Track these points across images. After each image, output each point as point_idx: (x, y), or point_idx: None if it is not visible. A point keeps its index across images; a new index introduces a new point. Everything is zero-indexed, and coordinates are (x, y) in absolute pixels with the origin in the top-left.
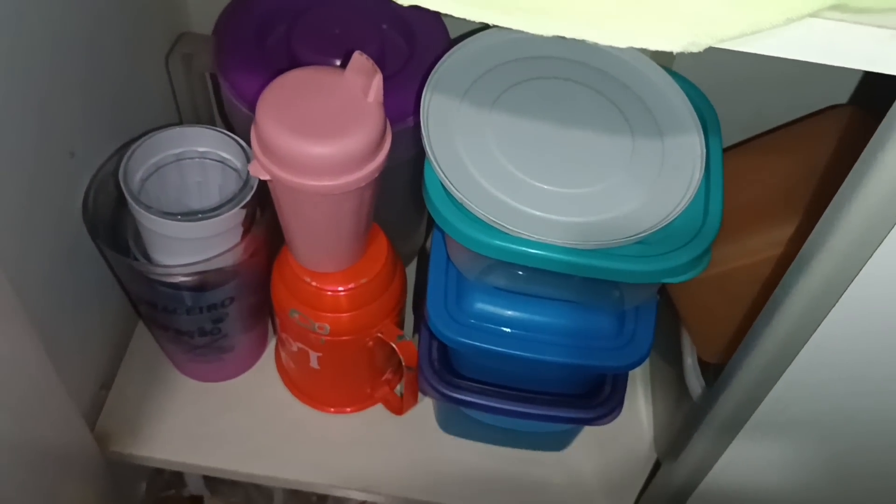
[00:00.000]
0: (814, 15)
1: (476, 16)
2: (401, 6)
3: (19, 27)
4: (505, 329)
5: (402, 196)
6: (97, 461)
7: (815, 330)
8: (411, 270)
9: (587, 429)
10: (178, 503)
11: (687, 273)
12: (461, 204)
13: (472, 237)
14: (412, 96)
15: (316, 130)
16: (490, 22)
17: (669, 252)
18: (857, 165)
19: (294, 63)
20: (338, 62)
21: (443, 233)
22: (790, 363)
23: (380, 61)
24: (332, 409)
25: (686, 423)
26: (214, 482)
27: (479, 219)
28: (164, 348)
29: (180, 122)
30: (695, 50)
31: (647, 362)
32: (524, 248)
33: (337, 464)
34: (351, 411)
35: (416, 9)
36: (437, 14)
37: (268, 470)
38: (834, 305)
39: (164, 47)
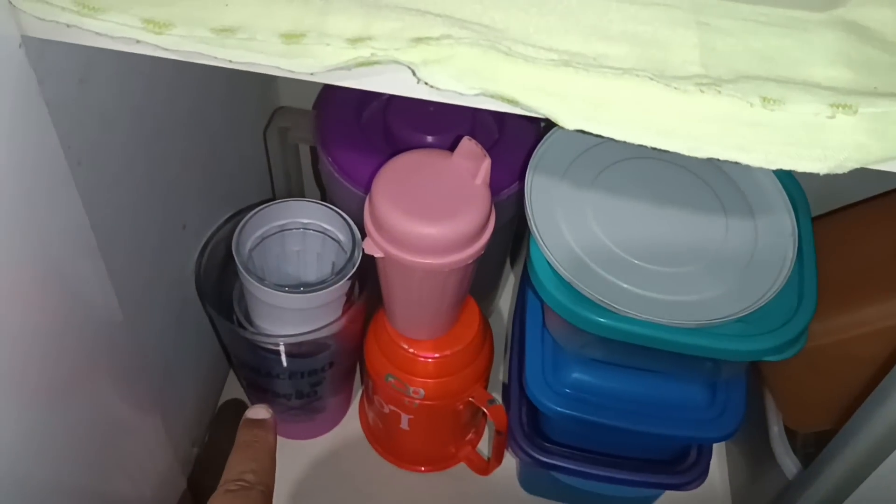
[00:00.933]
0: None
1: (639, 140)
2: None
3: (144, 115)
4: (601, 399)
5: (489, 260)
6: None
7: None
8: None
9: (668, 494)
10: None
11: (786, 352)
12: (568, 282)
13: (578, 314)
14: (503, 171)
15: (428, 212)
16: (636, 142)
17: (768, 332)
18: None
19: (390, 138)
20: (430, 139)
21: (542, 305)
22: None
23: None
24: (417, 468)
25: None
26: None
27: (585, 296)
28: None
29: (273, 192)
30: (840, 172)
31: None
32: (628, 327)
33: None
34: (435, 470)
35: None
36: None
37: None
38: None
39: (260, 122)
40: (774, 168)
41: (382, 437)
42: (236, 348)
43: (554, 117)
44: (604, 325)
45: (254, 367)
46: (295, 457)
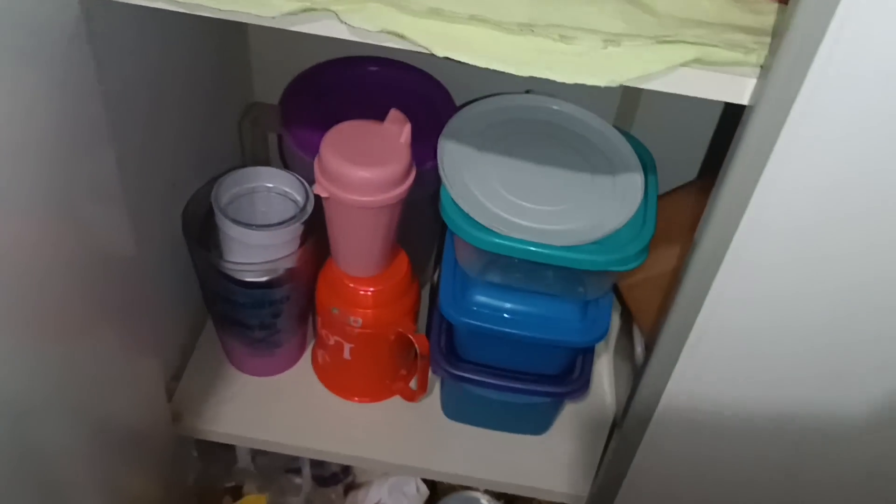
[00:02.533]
0: (684, 65)
1: (482, 63)
2: (421, 84)
3: (147, 101)
4: (498, 313)
5: (418, 230)
6: (168, 437)
7: (694, 320)
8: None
9: (564, 414)
10: (220, 493)
11: (629, 264)
12: (467, 213)
13: (476, 236)
14: (427, 147)
15: (363, 160)
16: (472, 63)
17: (617, 248)
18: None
19: (339, 122)
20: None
21: (453, 240)
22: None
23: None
24: (358, 399)
25: (632, 386)
26: (252, 475)
27: (481, 224)
28: (227, 345)
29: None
30: (613, 85)
31: (612, 361)
32: (513, 244)
33: (360, 440)
34: (373, 401)
35: (434, 84)
36: (445, 90)
37: (303, 442)
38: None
39: (236, 114)
40: (571, 82)
41: (330, 373)
42: (212, 282)
43: (430, 48)
44: (495, 243)
45: (225, 297)
46: (258, 390)
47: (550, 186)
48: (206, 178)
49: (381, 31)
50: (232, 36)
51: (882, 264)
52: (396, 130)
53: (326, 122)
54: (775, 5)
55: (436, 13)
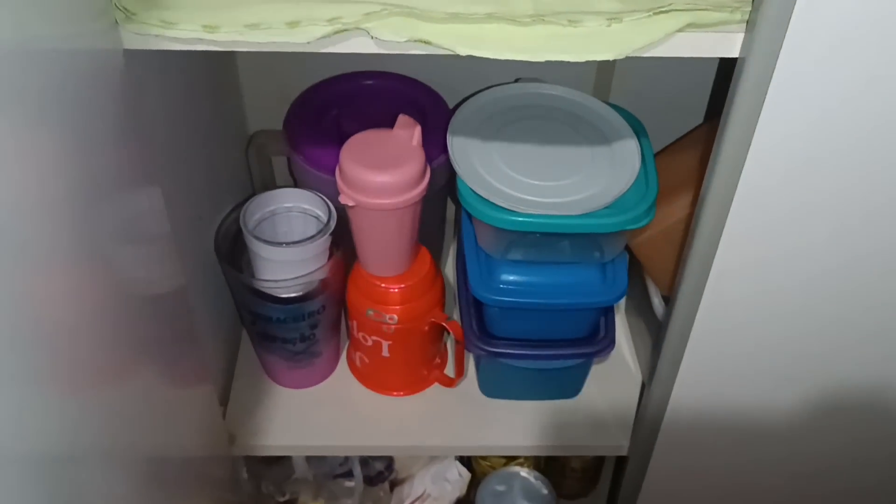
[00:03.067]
0: (680, 30)
1: (503, 56)
2: (413, 91)
3: (170, 144)
4: (524, 287)
5: (430, 220)
6: (226, 460)
7: (714, 258)
8: None
9: (592, 375)
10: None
11: (641, 221)
12: (484, 197)
13: (495, 216)
14: (430, 148)
15: (382, 165)
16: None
17: (627, 209)
18: (711, 155)
19: (344, 136)
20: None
21: (472, 226)
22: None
23: None
24: (399, 393)
25: (655, 342)
26: (307, 485)
27: (500, 206)
28: (267, 362)
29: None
30: (621, 57)
31: (626, 320)
32: (533, 220)
33: (407, 431)
34: (414, 392)
35: (423, 89)
36: (437, 93)
37: (354, 441)
38: (718, 245)
39: (239, 143)
40: (583, 60)
41: (369, 373)
42: (247, 301)
43: (453, 49)
44: (518, 221)
45: (264, 316)
46: (303, 401)
47: (555, 163)
48: (223, 209)
49: (409, 41)
50: (225, 71)
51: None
52: (407, 134)
53: (332, 138)
54: None
55: (455, 17)
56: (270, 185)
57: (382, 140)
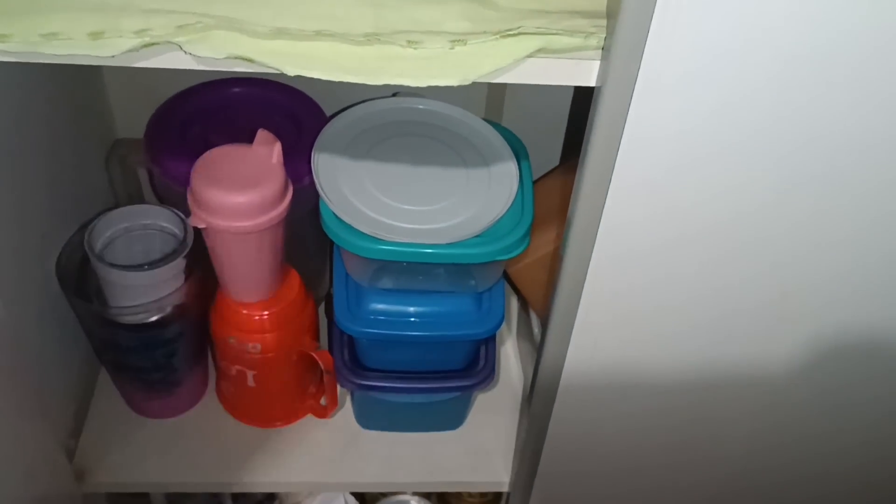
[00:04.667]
0: (530, 56)
1: (335, 77)
2: (289, 100)
3: (5, 154)
4: (394, 318)
5: (306, 246)
6: (75, 495)
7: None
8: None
9: (478, 405)
10: None
11: (514, 251)
12: (349, 224)
13: (358, 245)
14: (302, 163)
15: (236, 185)
16: (331, 79)
17: (500, 237)
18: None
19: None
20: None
21: (339, 252)
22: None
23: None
24: (270, 424)
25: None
26: None
27: (364, 233)
28: (124, 391)
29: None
30: (466, 83)
31: (517, 346)
32: (396, 248)
33: (279, 465)
34: (285, 424)
35: (300, 98)
36: (314, 103)
37: (221, 478)
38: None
39: (101, 152)
40: (425, 85)
41: (237, 403)
42: (98, 331)
43: (280, 69)
44: (381, 250)
45: (114, 344)
46: (164, 432)
47: (428, 185)
48: (79, 224)
49: (228, 58)
50: (86, 74)
51: (735, 206)
52: (267, 151)
53: (196, 151)
54: None
55: (281, 33)
56: (136, 199)
57: (240, 157)
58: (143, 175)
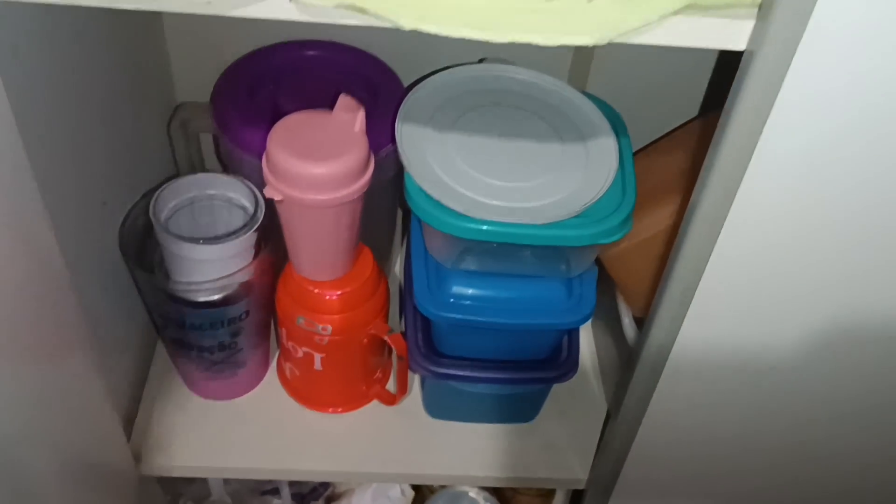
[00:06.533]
0: (677, 13)
1: (455, 33)
2: (363, 65)
3: (64, 114)
4: (478, 303)
5: (379, 216)
6: (132, 477)
7: (699, 280)
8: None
9: (550, 398)
10: None
11: (615, 235)
12: (437, 200)
13: (447, 222)
14: (380, 133)
15: (317, 154)
16: (445, 34)
17: (600, 220)
18: (704, 163)
19: (281, 115)
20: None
21: (420, 229)
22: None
23: None
24: (334, 410)
25: (624, 370)
26: None
27: (452, 209)
28: (184, 371)
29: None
30: (602, 43)
31: (592, 336)
32: (492, 228)
33: (340, 453)
34: (350, 409)
35: (375, 63)
36: (391, 70)
37: (280, 464)
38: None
39: (164, 116)
40: (555, 44)
41: (301, 386)
42: (160, 306)
43: (395, 22)
44: (471, 229)
45: (176, 321)
46: (224, 415)
47: (520, 160)
48: (139, 192)
49: (338, 7)
50: (147, 33)
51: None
52: (349, 118)
53: (265, 117)
54: None
55: None
56: (198, 166)
57: (320, 124)
58: (205, 141)
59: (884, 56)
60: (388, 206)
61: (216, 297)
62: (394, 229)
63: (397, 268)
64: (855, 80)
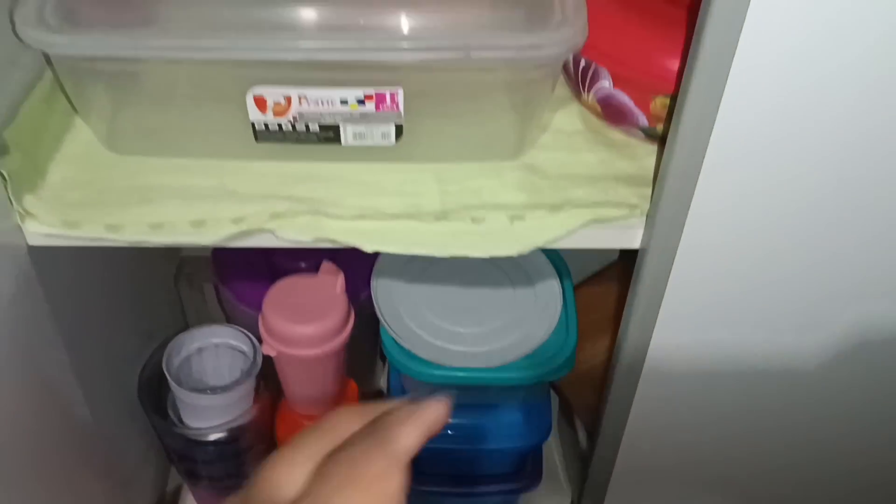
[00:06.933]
0: (584, 226)
1: (408, 252)
2: None
3: (88, 289)
4: (448, 431)
5: (362, 349)
6: None
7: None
8: None
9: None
10: None
11: (560, 372)
12: (409, 350)
13: (421, 371)
14: (360, 279)
15: (303, 316)
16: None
17: (548, 359)
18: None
19: (273, 269)
20: (302, 264)
21: (399, 373)
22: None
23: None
24: None
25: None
26: None
27: (423, 359)
28: (197, 495)
29: (186, 324)
30: (524, 253)
31: (561, 451)
32: (456, 374)
33: None
34: None
35: None
36: None
37: None
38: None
39: (171, 267)
40: (488, 256)
41: None
42: (175, 444)
43: (359, 246)
44: (437, 375)
45: (191, 458)
46: None
47: (478, 306)
48: (154, 342)
49: (315, 241)
50: None
51: None
52: (331, 281)
53: (260, 271)
54: (652, 147)
55: (363, 216)
56: (203, 313)
57: (306, 287)
58: (207, 289)
59: (749, 252)
60: (371, 332)
61: (222, 434)
62: (375, 350)
63: (382, 381)
64: (728, 271)
